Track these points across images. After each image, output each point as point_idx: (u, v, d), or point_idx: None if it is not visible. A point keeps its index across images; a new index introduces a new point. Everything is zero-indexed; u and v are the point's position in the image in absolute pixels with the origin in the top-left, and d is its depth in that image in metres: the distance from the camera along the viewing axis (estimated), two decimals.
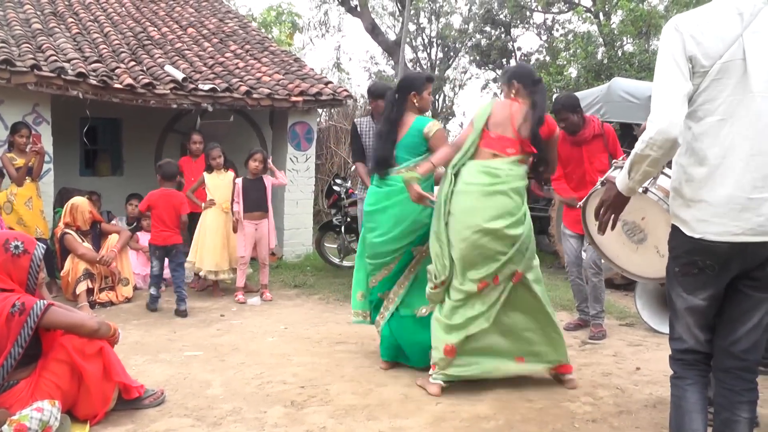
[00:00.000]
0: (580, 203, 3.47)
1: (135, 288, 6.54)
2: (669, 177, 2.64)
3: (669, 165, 2.50)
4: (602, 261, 5.22)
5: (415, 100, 4.20)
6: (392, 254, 4.15)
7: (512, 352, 3.89)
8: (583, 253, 5.31)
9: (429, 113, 4.58)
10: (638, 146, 2.31)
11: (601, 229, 2.58)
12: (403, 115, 4.20)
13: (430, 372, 3.87)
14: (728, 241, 2.24)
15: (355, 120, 6.24)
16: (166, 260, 6.01)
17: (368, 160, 6.00)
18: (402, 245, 4.13)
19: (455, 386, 3.91)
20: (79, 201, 6.29)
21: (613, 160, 3.45)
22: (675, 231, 2.41)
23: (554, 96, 12.38)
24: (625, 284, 6.85)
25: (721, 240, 2.25)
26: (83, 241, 6.17)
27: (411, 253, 4.16)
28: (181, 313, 5.69)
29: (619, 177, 2.47)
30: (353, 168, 6.80)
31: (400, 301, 4.20)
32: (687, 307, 2.40)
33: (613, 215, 2.55)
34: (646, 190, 2.83)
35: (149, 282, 6.04)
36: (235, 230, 6.36)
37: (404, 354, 4.26)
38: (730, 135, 2.25)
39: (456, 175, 3.87)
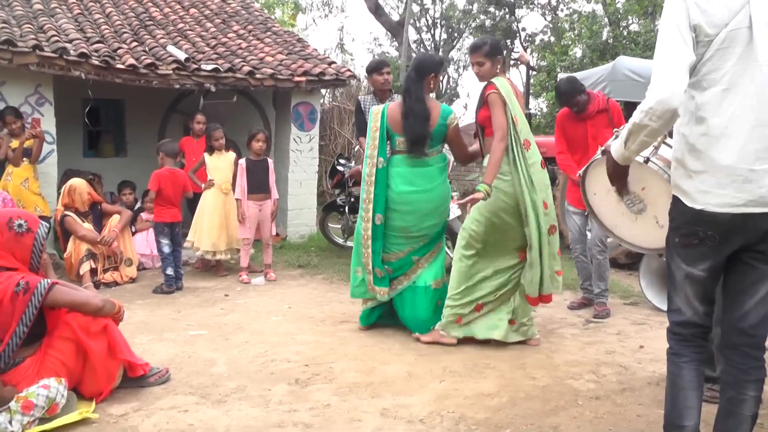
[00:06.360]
0: (580, 172, 3.41)
1: (139, 268, 6.57)
2: (671, 147, 2.60)
3: (671, 135, 2.46)
4: (607, 239, 5.22)
5: (432, 83, 4.36)
6: (424, 231, 4.38)
7: None
8: (587, 231, 5.29)
9: (433, 95, 4.63)
10: (637, 116, 2.26)
11: (619, 193, 2.62)
12: (424, 97, 4.31)
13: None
14: (730, 212, 2.21)
15: (359, 97, 6.25)
16: None
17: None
18: (434, 223, 4.39)
19: (458, 364, 3.93)
20: (77, 183, 6.29)
21: (615, 129, 3.39)
22: (676, 201, 2.37)
23: (558, 76, 12.31)
24: (629, 263, 6.84)
25: (722, 211, 2.22)
26: (83, 222, 6.18)
27: (438, 236, 4.46)
28: (178, 289, 5.95)
29: (615, 145, 2.43)
30: (356, 148, 6.81)
31: (421, 273, 4.43)
32: (686, 275, 2.37)
33: (618, 184, 2.54)
34: (647, 160, 2.79)
35: (163, 264, 5.98)
36: (240, 219, 6.33)
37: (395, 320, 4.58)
38: (734, 105, 2.19)
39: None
